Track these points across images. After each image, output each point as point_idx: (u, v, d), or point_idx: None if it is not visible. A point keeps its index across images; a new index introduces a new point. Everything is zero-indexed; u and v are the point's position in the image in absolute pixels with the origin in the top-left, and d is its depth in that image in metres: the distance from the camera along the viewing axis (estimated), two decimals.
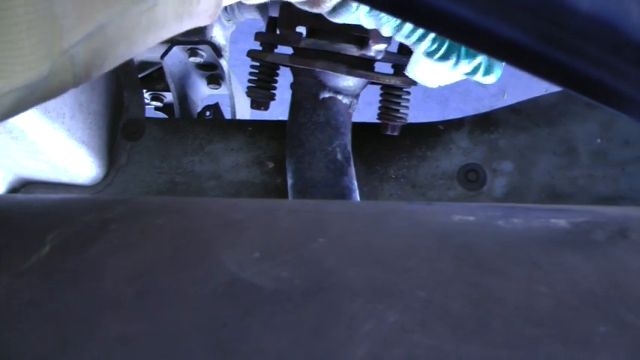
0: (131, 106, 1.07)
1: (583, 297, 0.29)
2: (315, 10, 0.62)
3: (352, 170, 0.91)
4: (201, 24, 0.46)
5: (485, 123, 1.00)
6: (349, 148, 0.92)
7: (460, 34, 0.34)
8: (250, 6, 1.10)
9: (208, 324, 0.28)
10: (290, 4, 0.65)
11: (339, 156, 0.89)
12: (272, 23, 0.98)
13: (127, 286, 0.31)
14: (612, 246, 0.33)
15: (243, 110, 1.36)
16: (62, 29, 0.34)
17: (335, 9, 0.63)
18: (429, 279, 0.30)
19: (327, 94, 0.91)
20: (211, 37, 1.21)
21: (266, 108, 0.99)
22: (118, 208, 0.38)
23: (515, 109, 1.01)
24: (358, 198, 0.90)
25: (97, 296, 0.30)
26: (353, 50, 0.88)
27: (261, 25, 1.02)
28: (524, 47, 0.33)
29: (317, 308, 0.29)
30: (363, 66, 0.90)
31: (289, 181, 0.90)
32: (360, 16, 0.64)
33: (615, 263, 0.32)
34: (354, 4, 0.62)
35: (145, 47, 0.42)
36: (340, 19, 0.65)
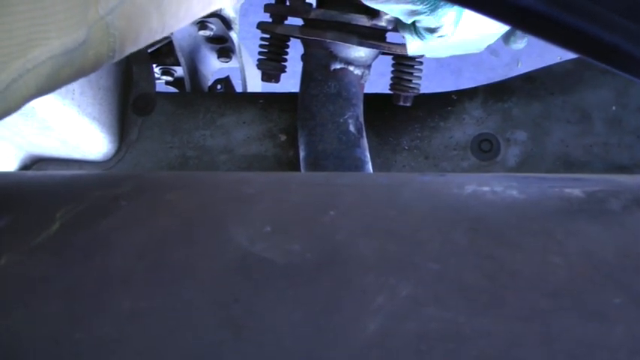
0: (141, 80, 1.07)
1: (597, 268, 0.29)
2: None
3: (364, 142, 0.90)
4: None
5: (498, 92, 0.99)
6: (361, 119, 0.92)
7: (473, 2, 0.33)
8: None
9: (220, 299, 0.28)
10: None
11: (351, 127, 0.88)
12: None
13: (138, 261, 0.31)
14: (628, 215, 0.33)
15: (254, 83, 1.35)
16: None
17: None
18: (442, 251, 0.30)
19: (338, 65, 0.90)
20: (220, 9, 1.20)
21: (277, 80, 0.98)
22: (128, 184, 0.38)
23: (529, 78, 1.00)
24: (371, 170, 0.89)
25: (108, 272, 0.30)
26: (364, 20, 0.87)
27: None
28: (536, 12, 0.33)
29: (329, 282, 0.29)
30: (374, 36, 0.89)
31: (301, 154, 0.90)
32: None
33: (631, 233, 0.31)
34: None
35: (177, 21, 0.42)
36: None
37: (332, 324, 0.27)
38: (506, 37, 0.85)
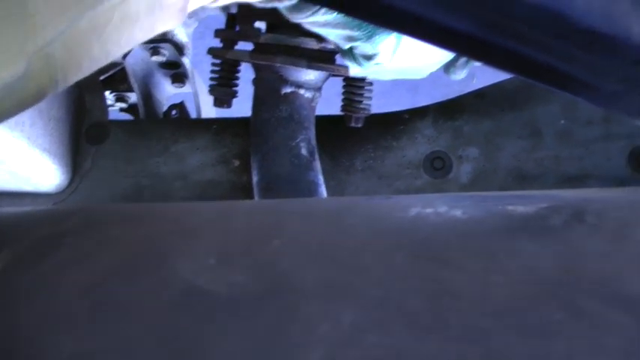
0: (93, 109, 1.06)
1: (539, 285, 0.29)
2: (285, 4, 0.61)
3: (317, 164, 0.90)
4: (172, 21, 0.45)
5: (449, 110, 1.01)
6: (314, 142, 0.92)
7: (410, 27, 0.34)
8: None
9: (163, 335, 0.28)
10: None
11: (303, 151, 0.89)
12: (231, 19, 0.97)
13: (81, 300, 0.30)
14: (568, 231, 0.33)
15: (210, 107, 1.35)
16: (36, 25, 0.33)
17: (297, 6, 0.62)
18: (385, 276, 0.30)
19: (288, 89, 0.91)
20: (173, 35, 1.20)
21: (229, 105, 0.99)
22: (73, 220, 0.38)
23: (479, 94, 1.01)
24: (324, 192, 0.89)
25: (50, 313, 0.30)
26: (312, 43, 0.87)
27: None
28: (473, 37, 0.33)
29: (272, 312, 0.29)
30: (323, 59, 0.90)
31: (254, 179, 0.90)
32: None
33: (571, 248, 0.32)
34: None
35: (120, 48, 0.42)
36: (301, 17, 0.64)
37: (276, 354, 0.27)
38: (446, 68, 0.86)
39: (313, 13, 0.62)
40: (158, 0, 0.42)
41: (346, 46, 0.73)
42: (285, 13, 0.64)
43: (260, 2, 0.60)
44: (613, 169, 0.98)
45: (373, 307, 0.28)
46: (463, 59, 0.81)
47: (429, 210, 0.36)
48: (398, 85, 2.62)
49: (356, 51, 0.74)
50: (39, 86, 0.36)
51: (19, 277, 0.32)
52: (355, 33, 0.67)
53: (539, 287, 0.29)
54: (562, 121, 0.99)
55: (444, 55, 0.79)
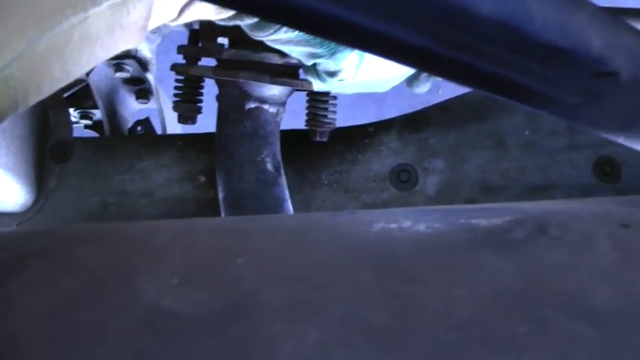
0: (58, 127, 1.05)
1: (503, 298, 0.29)
2: (246, 22, 0.61)
3: (283, 179, 0.90)
4: (133, 40, 0.45)
5: (414, 122, 1.01)
6: (279, 157, 0.92)
7: (367, 44, 0.34)
8: None
9: (127, 357, 0.28)
10: None
11: (268, 166, 0.89)
12: (194, 35, 0.97)
13: (44, 324, 0.30)
14: (531, 243, 0.34)
15: (176, 123, 1.35)
16: None
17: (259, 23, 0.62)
18: (349, 293, 0.30)
19: (252, 104, 0.90)
20: (137, 51, 1.20)
21: (193, 122, 0.98)
22: (36, 242, 0.37)
23: (443, 107, 1.02)
24: (291, 207, 0.89)
25: (12, 338, 0.29)
26: (275, 58, 0.87)
27: None
28: (431, 52, 0.34)
29: (236, 331, 0.28)
30: (286, 74, 0.90)
31: (220, 195, 0.89)
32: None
33: (534, 261, 0.32)
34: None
35: (80, 67, 0.41)
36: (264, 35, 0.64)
37: None
38: (409, 81, 0.86)
39: (275, 31, 0.62)
40: (118, 19, 0.42)
41: (309, 62, 0.73)
42: (247, 30, 0.64)
43: (222, 20, 0.60)
44: (578, 179, 0.99)
45: (337, 324, 0.28)
46: (426, 73, 0.81)
47: (393, 225, 0.36)
48: (364, 97, 2.64)
49: (319, 67, 0.74)
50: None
51: None
52: (318, 50, 0.67)
53: (503, 300, 0.29)
54: (527, 132, 1.00)
55: (408, 69, 0.80)
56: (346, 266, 0.32)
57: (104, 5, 0.40)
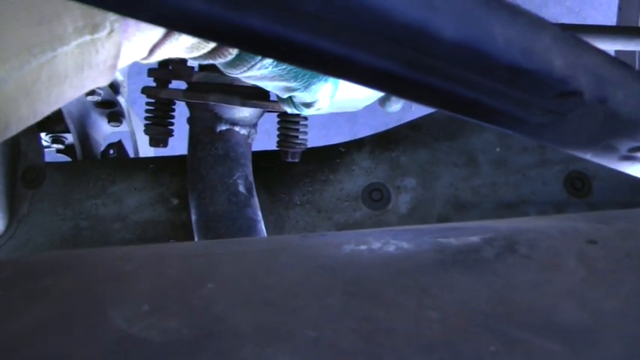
0: (29, 152, 1.04)
1: (472, 318, 0.30)
2: (219, 61, 0.61)
3: (255, 201, 0.90)
4: (102, 78, 0.45)
5: (385, 141, 1.02)
6: (251, 178, 0.92)
7: (333, 68, 0.34)
8: None
9: None
10: None
11: (240, 188, 0.89)
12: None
13: (13, 355, 0.30)
14: (500, 262, 0.34)
15: (148, 145, 1.34)
16: None
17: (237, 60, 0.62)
18: (318, 317, 0.30)
19: (223, 127, 0.91)
20: None
21: (165, 145, 0.98)
22: (5, 272, 0.37)
23: (414, 125, 1.03)
24: (264, 228, 0.89)
25: None
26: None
27: None
28: (395, 75, 0.34)
29: (207, 357, 0.28)
30: (257, 96, 0.90)
31: (193, 217, 0.89)
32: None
33: (503, 280, 0.32)
34: (258, 57, 0.61)
35: (49, 106, 0.41)
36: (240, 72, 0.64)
37: None
38: (381, 101, 0.87)
39: (249, 69, 0.62)
40: (87, 58, 0.42)
41: (285, 95, 0.73)
42: (220, 68, 0.64)
43: (194, 59, 0.59)
44: (550, 194, 1.00)
45: (307, 348, 0.28)
46: None
47: (362, 247, 0.36)
48: (337, 115, 2.65)
49: (295, 100, 0.74)
50: None
51: None
52: (292, 84, 0.67)
53: (472, 321, 0.29)
54: (497, 149, 1.01)
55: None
56: (316, 289, 0.32)
57: (72, 44, 0.40)
